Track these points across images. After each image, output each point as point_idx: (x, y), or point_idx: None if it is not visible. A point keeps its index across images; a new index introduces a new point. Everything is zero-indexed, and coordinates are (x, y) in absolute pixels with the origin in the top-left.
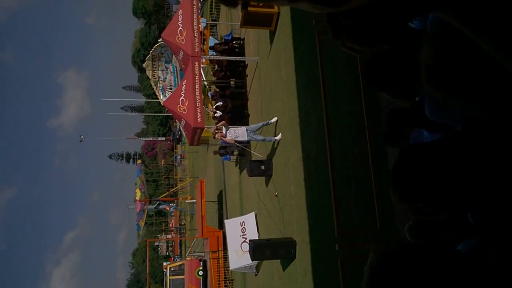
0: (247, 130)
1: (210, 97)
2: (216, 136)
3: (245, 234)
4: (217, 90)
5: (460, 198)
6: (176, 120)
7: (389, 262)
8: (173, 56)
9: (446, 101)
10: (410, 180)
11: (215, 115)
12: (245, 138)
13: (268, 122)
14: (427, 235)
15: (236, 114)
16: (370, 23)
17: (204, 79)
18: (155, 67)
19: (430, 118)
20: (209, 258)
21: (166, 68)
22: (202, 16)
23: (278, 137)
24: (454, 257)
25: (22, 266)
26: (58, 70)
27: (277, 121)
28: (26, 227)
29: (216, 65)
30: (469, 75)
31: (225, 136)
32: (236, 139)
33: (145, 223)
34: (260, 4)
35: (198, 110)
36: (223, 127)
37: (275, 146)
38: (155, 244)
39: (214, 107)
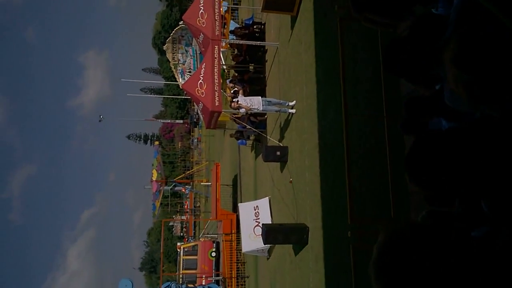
0: (262, 100)
1: (228, 83)
2: (232, 105)
3: (259, 218)
4: (236, 74)
5: (474, 185)
6: (194, 103)
7: (397, 241)
8: (193, 39)
9: (468, 87)
10: (425, 166)
11: (233, 99)
12: (260, 108)
13: (286, 103)
14: (440, 222)
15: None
16: None
17: (223, 63)
18: (175, 50)
19: (449, 104)
20: (222, 240)
21: (186, 51)
22: (223, 0)
23: (293, 110)
24: (464, 239)
25: (39, 241)
26: (79, 50)
27: (295, 104)
28: (44, 204)
29: (236, 49)
30: (496, 57)
31: (239, 104)
32: (251, 107)
33: (161, 203)
34: None
35: (216, 94)
36: (239, 94)
37: (289, 118)
38: (169, 224)
39: (232, 92)
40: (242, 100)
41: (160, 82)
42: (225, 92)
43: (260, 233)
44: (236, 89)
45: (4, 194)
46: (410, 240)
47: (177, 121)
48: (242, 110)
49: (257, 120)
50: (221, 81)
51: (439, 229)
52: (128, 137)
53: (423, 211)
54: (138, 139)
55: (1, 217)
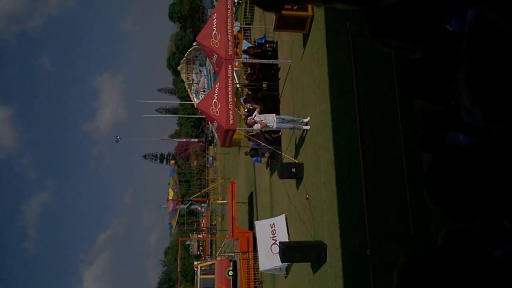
0: (276, 117)
1: (242, 102)
2: (248, 121)
3: (275, 236)
4: (250, 92)
5: (496, 202)
6: (209, 122)
7: (418, 265)
8: (207, 59)
9: (482, 106)
10: (445, 183)
11: (248, 117)
12: (274, 125)
13: (300, 120)
14: (461, 242)
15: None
16: (409, 18)
17: (237, 82)
18: (189, 70)
19: (467, 120)
20: (239, 259)
21: (200, 71)
22: (236, 20)
23: (307, 127)
24: (487, 262)
25: (55, 267)
26: (94, 75)
27: (309, 121)
28: (59, 230)
29: (249, 68)
30: (508, 78)
31: (255, 120)
32: (266, 123)
33: (177, 222)
34: (294, 8)
35: (230, 112)
36: (255, 111)
37: (304, 135)
38: (186, 243)
39: (246, 110)
40: (258, 117)
41: (175, 102)
42: (239, 110)
43: (278, 251)
44: (251, 107)
45: (19, 222)
46: (430, 265)
47: (192, 140)
48: (256, 127)
49: (271, 137)
50: (235, 99)
51: (460, 252)
52: (145, 157)
53: (442, 230)
54: (154, 158)
55: (16, 245)
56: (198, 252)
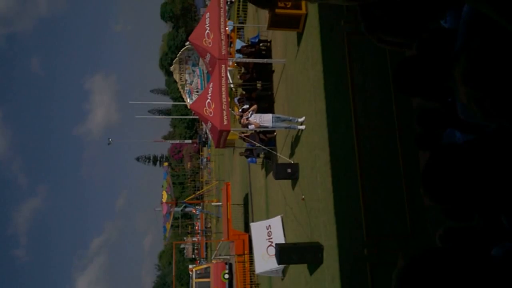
0: (272, 116)
1: (236, 102)
2: (242, 121)
3: (271, 238)
4: (244, 92)
5: (494, 199)
6: (203, 123)
7: (417, 267)
8: (200, 59)
9: (479, 103)
10: (443, 180)
11: (242, 118)
12: (270, 124)
13: (295, 120)
14: (459, 241)
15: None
16: (404, 13)
17: (231, 81)
18: (182, 70)
19: (463, 118)
20: (235, 262)
21: (193, 71)
22: (229, 19)
23: (302, 126)
24: (485, 260)
25: (48, 276)
26: (85, 77)
27: (304, 120)
28: (52, 237)
29: (243, 68)
30: (507, 73)
31: (250, 120)
32: (261, 123)
33: (171, 225)
34: (288, 5)
35: (224, 112)
36: (252, 111)
37: (299, 134)
38: (181, 246)
39: (240, 110)
40: (253, 117)
41: (167, 103)
42: (233, 110)
43: (274, 253)
44: (245, 107)
45: (9, 230)
46: (429, 267)
47: (186, 141)
48: (251, 127)
49: (266, 137)
50: (229, 99)
51: (458, 253)
52: (137, 159)
53: (440, 228)
54: (147, 160)
55: (7, 254)
56: (193, 255)
